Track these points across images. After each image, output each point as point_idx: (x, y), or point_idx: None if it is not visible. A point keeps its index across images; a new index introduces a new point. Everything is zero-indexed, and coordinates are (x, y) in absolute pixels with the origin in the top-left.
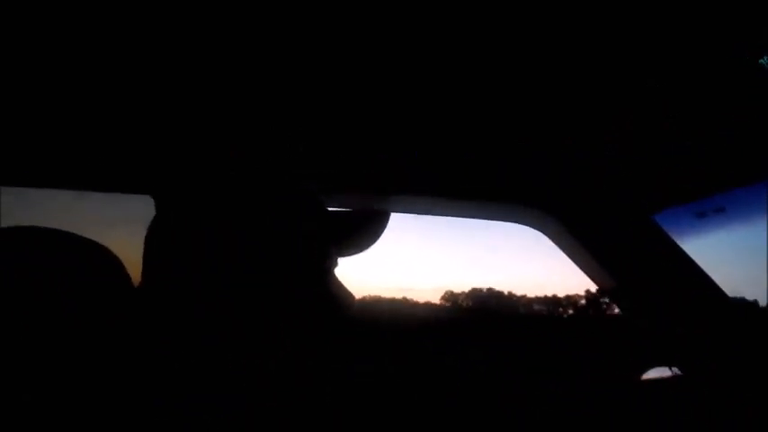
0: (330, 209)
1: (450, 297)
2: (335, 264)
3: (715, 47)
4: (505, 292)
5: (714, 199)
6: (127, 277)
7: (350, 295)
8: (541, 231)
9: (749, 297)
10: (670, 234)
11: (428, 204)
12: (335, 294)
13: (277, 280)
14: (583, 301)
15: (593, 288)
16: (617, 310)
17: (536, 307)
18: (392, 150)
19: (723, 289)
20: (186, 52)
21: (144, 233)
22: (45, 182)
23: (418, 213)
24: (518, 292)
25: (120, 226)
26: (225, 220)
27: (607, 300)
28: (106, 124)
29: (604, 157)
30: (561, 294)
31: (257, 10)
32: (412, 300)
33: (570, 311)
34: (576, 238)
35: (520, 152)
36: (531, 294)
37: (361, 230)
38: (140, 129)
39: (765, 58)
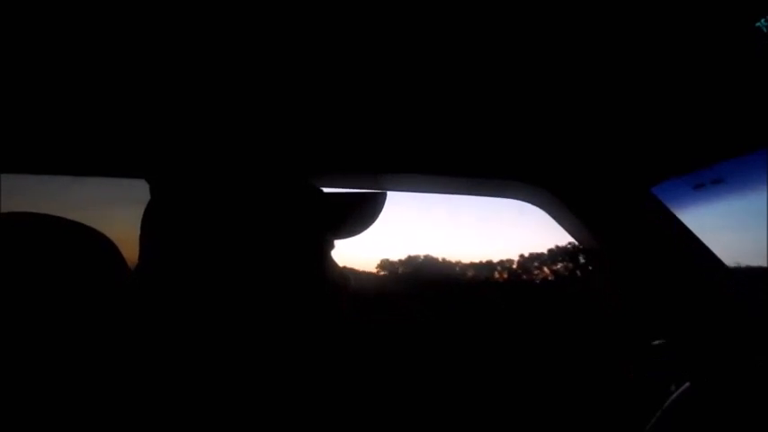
0: (326, 190)
1: (387, 265)
2: (332, 246)
3: (710, 9)
4: (440, 259)
5: (712, 170)
6: (122, 261)
7: (346, 277)
8: (539, 207)
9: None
10: (669, 207)
11: (421, 182)
12: (332, 277)
13: (274, 265)
14: (515, 266)
15: (527, 252)
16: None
17: (470, 273)
18: (385, 129)
19: (722, 260)
20: (181, 40)
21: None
22: (40, 168)
23: (411, 191)
24: (453, 258)
25: (119, 206)
26: (220, 204)
27: (536, 264)
28: (101, 110)
29: (599, 129)
30: (495, 260)
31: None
32: (350, 268)
33: (505, 275)
34: (574, 213)
35: (513, 127)
36: (465, 260)
37: (357, 213)
38: (136, 115)
39: (763, 20)
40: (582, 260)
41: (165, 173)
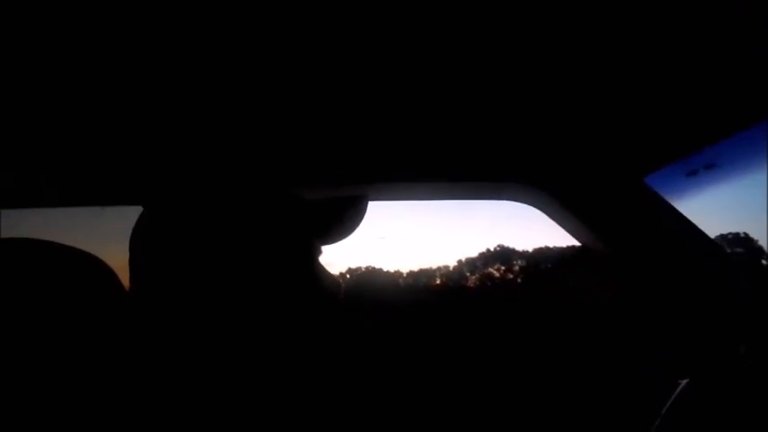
0: (309, 199)
1: None
2: (319, 252)
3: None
4: (383, 269)
5: (704, 155)
6: (119, 286)
7: (336, 282)
8: (534, 206)
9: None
10: (664, 196)
11: (415, 190)
12: (321, 283)
13: (263, 276)
14: (451, 268)
15: (465, 258)
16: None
17: (409, 280)
18: (374, 135)
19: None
20: (165, 58)
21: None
22: (34, 202)
23: (405, 200)
24: (391, 268)
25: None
26: (208, 221)
27: (468, 273)
28: (89, 140)
29: (589, 123)
30: (434, 266)
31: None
32: None
33: (442, 281)
34: (571, 210)
35: (504, 128)
36: (403, 269)
37: (340, 219)
38: (123, 139)
39: None
40: (518, 264)
41: (156, 193)
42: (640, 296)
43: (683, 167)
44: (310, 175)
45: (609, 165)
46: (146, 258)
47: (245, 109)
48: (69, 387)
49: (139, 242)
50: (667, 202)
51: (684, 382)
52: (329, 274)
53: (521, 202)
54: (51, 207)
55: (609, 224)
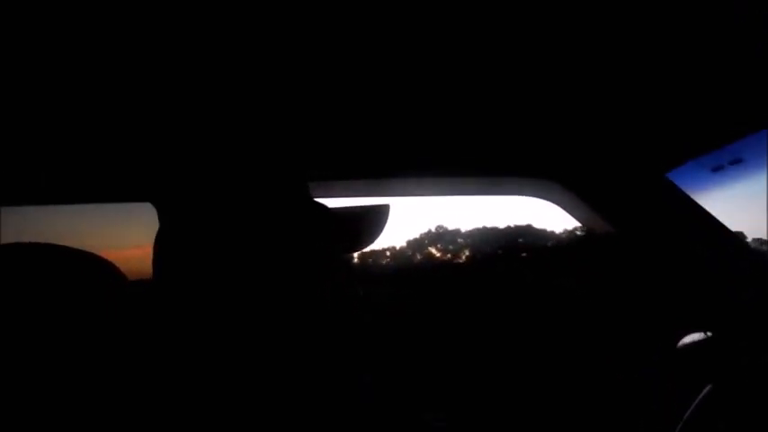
0: (331, 207)
1: None
2: (341, 261)
3: None
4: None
5: (730, 150)
6: (121, 283)
7: (356, 294)
8: (552, 202)
9: None
10: (687, 193)
11: (427, 186)
12: (341, 295)
13: (282, 281)
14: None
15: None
16: None
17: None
18: (386, 131)
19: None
20: (172, 55)
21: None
22: (43, 199)
23: (417, 195)
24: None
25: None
26: (227, 226)
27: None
28: (97, 137)
29: (607, 117)
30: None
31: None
32: None
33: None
34: (589, 205)
35: (520, 123)
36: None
37: (363, 228)
38: (133, 137)
39: None
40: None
41: (170, 197)
42: (658, 290)
43: (708, 162)
44: (320, 170)
45: (628, 159)
46: (168, 263)
47: (256, 102)
48: (75, 390)
49: (162, 248)
50: (691, 198)
51: (708, 387)
52: (349, 281)
53: (537, 196)
54: (53, 204)
55: (627, 218)
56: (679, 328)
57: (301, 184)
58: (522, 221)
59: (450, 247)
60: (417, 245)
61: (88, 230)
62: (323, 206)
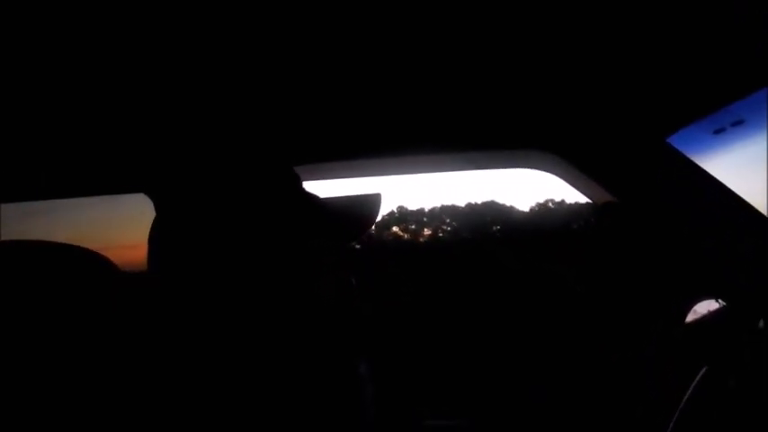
0: (323, 198)
1: None
2: (331, 251)
3: None
4: None
5: (731, 111)
6: (113, 276)
7: (349, 280)
8: (549, 173)
9: None
10: (689, 157)
11: (423, 163)
12: (333, 289)
13: (273, 273)
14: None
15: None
16: None
17: None
18: (379, 105)
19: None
20: (166, 50)
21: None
22: (41, 193)
23: (414, 173)
24: None
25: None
26: (220, 218)
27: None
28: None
29: (603, 82)
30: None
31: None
32: None
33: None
34: (588, 175)
35: (509, 91)
36: None
37: (355, 219)
38: (129, 130)
39: None
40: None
41: (164, 189)
42: (660, 258)
43: (708, 125)
44: (319, 149)
45: (626, 125)
46: (162, 257)
47: (246, 90)
48: (67, 383)
49: (156, 239)
50: (694, 163)
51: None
52: (342, 271)
53: (535, 168)
54: (49, 199)
55: (628, 186)
56: (685, 298)
57: (293, 177)
58: (501, 198)
59: (413, 227)
60: (383, 225)
61: (85, 227)
62: (315, 197)
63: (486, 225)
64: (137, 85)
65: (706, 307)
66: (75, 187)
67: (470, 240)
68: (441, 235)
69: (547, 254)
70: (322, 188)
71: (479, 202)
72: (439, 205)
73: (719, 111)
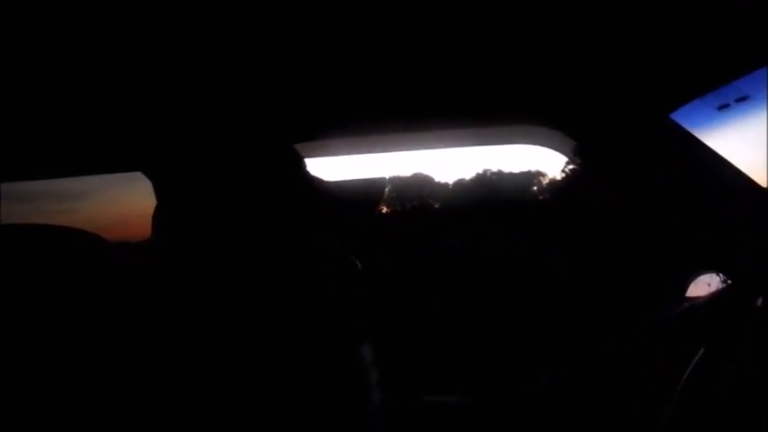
0: (327, 182)
1: None
2: (338, 243)
3: None
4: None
5: (735, 87)
6: (106, 254)
7: (353, 264)
8: (551, 149)
9: None
10: (694, 133)
11: (424, 139)
12: (335, 265)
13: (273, 260)
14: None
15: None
16: None
17: None
18: (385, 84)
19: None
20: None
21: None
22: (41, 173)
23: (416, 149)
24: None
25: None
26: (220, 202)
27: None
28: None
29: (605, 56)
30: None
31: None
32: None
33: None
34: (590, 151)
35: (511, 65)
36: None
37: (359, 203)
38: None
39: None
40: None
41: (163, 170)
42: (661, 233)
43: (713, 101)
44: (321, 126)
45: (628, 101)
46: (165, 237)
47: (249, 62)
48: (70, 369)
49: (158, 223)
50: (697, 139)
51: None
52: (346, 257)
53: (537, 144)
54: (48, 178)
55: (630, 162)
56: (686, 272)
57: (297, 160)
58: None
59: (414, 204)
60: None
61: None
62: (320, 181)
63: (486, 202)
64: (135, 66)
65: (705, 284)
66: (75, 166)
67: (467, 219)
68: (439, 214)
69: (544, 231)
70: (325, 165)
71: (475, 177)
72: (440, 181)
73: (724, 87)
